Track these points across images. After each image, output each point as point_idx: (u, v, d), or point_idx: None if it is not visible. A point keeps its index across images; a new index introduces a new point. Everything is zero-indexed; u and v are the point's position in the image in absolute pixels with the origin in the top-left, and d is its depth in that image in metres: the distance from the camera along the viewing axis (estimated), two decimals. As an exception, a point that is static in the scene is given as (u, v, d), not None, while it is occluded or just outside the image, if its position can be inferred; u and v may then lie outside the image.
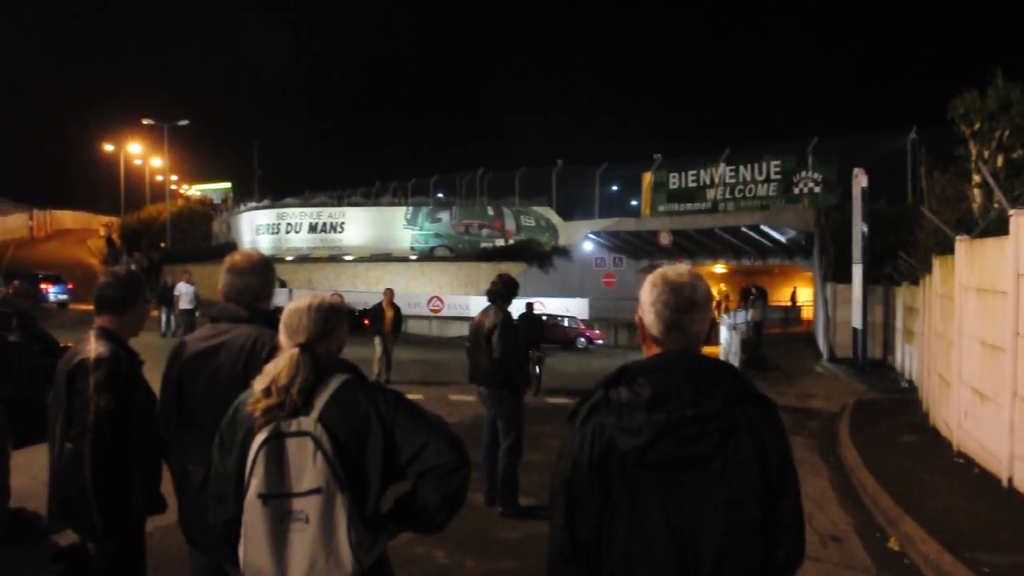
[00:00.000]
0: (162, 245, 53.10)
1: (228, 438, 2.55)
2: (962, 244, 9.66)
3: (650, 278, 2.23)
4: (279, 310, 2.79)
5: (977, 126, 13.51)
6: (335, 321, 2.64)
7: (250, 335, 3.09)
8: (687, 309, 2.16)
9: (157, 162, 59.46)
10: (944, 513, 6.77)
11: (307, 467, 2.37)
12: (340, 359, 2.63)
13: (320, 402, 2.44)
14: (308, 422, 2.40)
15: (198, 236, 56.92)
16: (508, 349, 7.11)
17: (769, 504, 2.06)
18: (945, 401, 10.29)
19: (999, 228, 8.22)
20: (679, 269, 2.23)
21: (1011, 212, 7.64)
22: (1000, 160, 12.90)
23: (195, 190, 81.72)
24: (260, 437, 2.40)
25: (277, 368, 2.46)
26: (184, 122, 50.62)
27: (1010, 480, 7.45)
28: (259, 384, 2.46)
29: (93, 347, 3.21)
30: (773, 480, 2.06)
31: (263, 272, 3.29)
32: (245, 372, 2.97)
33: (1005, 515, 6.67)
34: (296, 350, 2.50)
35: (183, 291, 22.01)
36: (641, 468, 2.01)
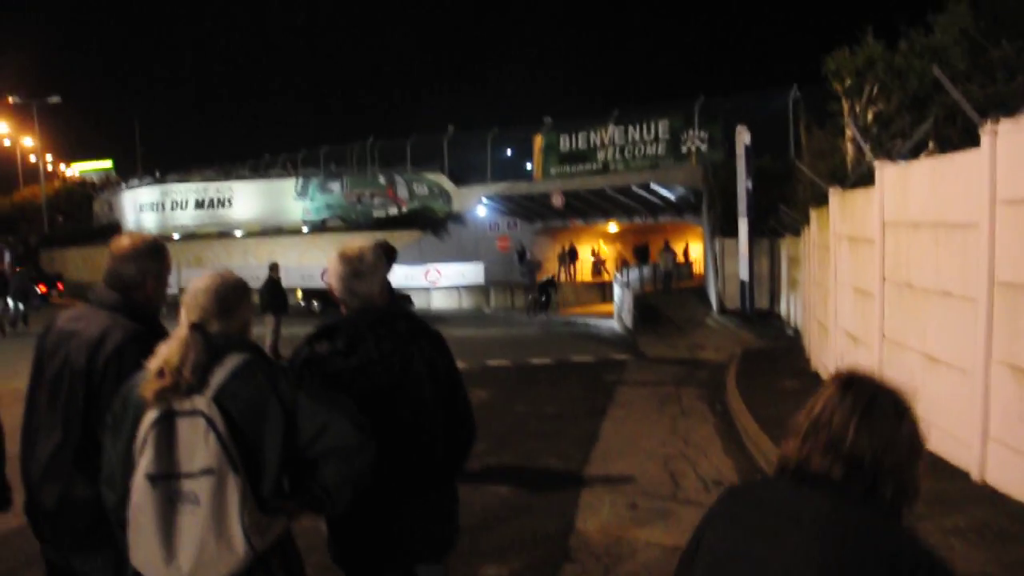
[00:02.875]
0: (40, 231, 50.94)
1: (119, 419, 2.45)
2: (835, 195, 10.03)
3: (333, 255, 2.99)
4: None
5: (848, 82, 13.97)
6: (235, 300, 2.56)
7: (102, 326, 2.91)
8: (355, 277, 2.94)
9: (30, 141, 56.47)
10: (820, 453, 7.06)
11: (199, 447, 2.30)
12: (239, 338, 2.56)
13: (216, 381, 2.38)
14: (201, 401, 2.34)
15: (79, 218, 54.72)
16: None
17: (448, 401, 2.97)
18: (824, 346, 10.72)
19: (868, 179, 8.56)
20: (352, 246, 2.99)
21: (876, 163, 7.96)
22: (870, 115, 13.40)
23: (74, 170, 78.23)
24: (150, 417, 2.33)
25: (169, 349, 2.40)
26: (55, 99, 48.45)
27: (880, 418, 7.82)
28: (153, 365, 2.39)
29: None
30: (444, 386, 2.96)
31: (140, 260, 3.05)
32: (88, 366, 2.85)
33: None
34: (186, 329, 2.43)
35: None
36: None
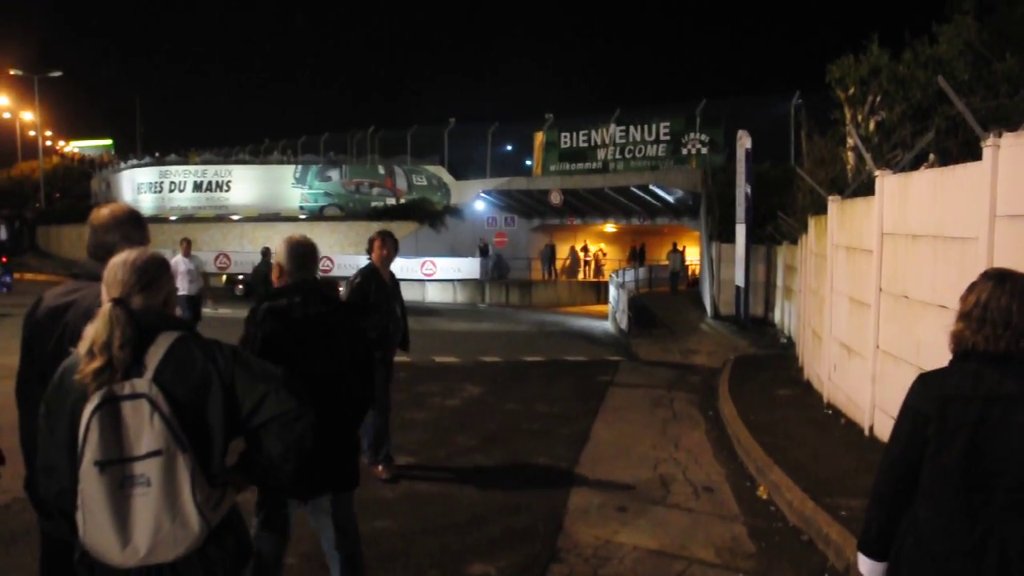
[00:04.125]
0: (37, 205, 50.79)
1: (55, 406, 2.43)
2: (834, 204, 10.01)
3: (284, 242, 4.00)
4: None
5: (852, 91, 13.96)
6: (155, 272, 2.55)
7: (99, 295, 2.92)
8: (307, 256, 4.00)
9: (29, 115, 56.18)
10: (810, 461, 7.07)
11: (144, 429, 2.32)
12: (169, 316, 2.57)
13: (153, 362, 2.38)
14: (142, 383, 2.34)
15: (76, 195, 54.63)
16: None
17: (360, 359, 3.98)
18: (818, 355, 10.70)
19: (868, 189, 8.54)
20: (296, 236, 4.03)
21: (876, 173, 7.94)
22: (872, 124, 13.39)
23: (73, 147, 78.03)
24: (92, 403, 2.32)
25: (94, 328, 2.37)
26: (57, 73, 48.39)
27: (871, 429, 7.83)
28: (81, 348, 2.37)
29: None
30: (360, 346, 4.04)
31: (122, 228, 3.15)
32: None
33: (865, 462, 6.98)
34: (110, 305, 2.41)
35: (181, 268, 13.86)
36: (302, 338, 3.74)
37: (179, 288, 13.27)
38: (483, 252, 34.96)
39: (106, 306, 2.41)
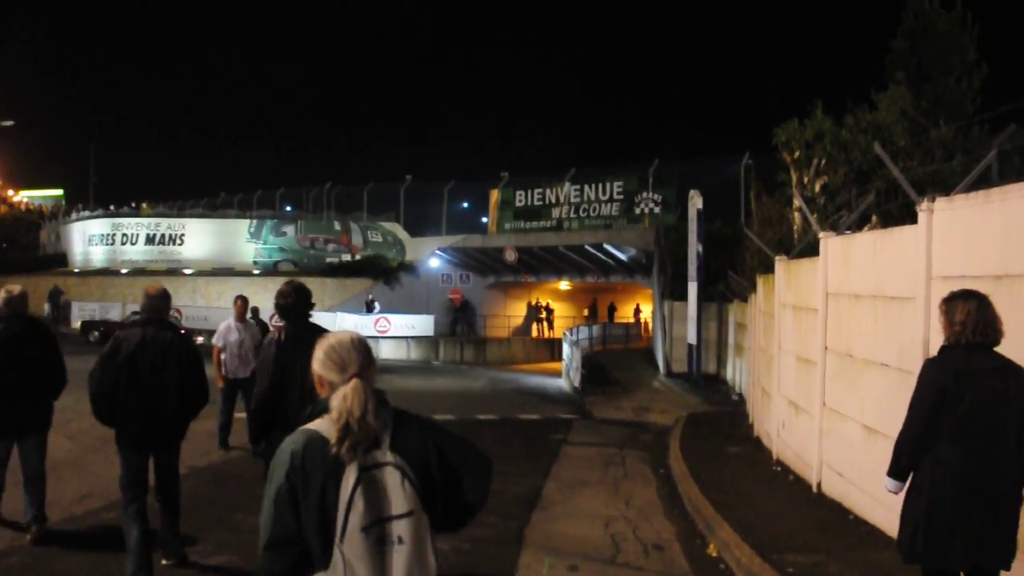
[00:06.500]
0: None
1: (303, 484, 2.50)
2: (781, 264, 10.23)
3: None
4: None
5: (797, 154, 14.36)
6: (371, 353, 2.72)
7: (172, 335, 5.58)
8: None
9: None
10: (758, 518, 7.12)
11: (397, 494, 2.52)
12: (381, 392, 2.71)
13: (387, 435, 2.56)
14: (385, 454, 2.54)
15: (24, 246, 53.79)
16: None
17: None
18: (767, 412, 10.83)
19: (813, 249, 8.75)
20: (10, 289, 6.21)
21: (820, 235, 8.15)
22: (818, 185, 13.76)
23: (23, 196, 76.83)
24: (352, 474, 2.48)
25: (347, 403, 2.51)
26: (8, 123, 47.89)
27: (819, 485, 7.92)
28: (334, 424, 2.49)
29: None
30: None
31: (166, 298, 5.79)
32: (176, 354, 5.49)
33: (812, 518, 7.08)
34: (357, 380, 2.57)
35: (233, 337, 10.99)
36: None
37: (230, 369, 10.79)
38: (368, 308, 34.49)
39: (356, 382, 2.57)
